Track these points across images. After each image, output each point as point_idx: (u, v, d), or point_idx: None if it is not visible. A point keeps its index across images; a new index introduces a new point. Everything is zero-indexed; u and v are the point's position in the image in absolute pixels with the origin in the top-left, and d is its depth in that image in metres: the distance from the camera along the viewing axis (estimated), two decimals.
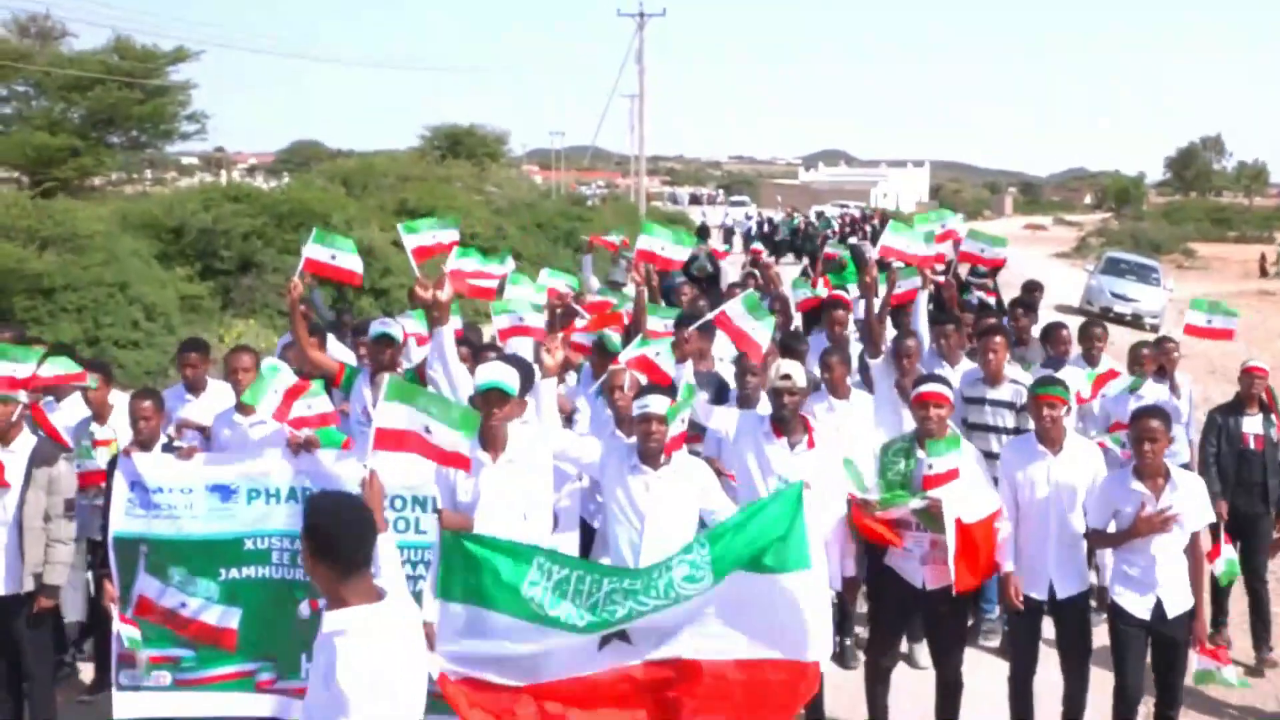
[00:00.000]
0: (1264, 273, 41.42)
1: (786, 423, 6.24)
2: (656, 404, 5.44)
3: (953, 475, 5.78)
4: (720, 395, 7.54)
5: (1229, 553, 7.45)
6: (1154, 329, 24.91)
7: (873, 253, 9.15)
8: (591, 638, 5.04)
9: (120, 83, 35.01)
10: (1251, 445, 7.69)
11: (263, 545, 6.22)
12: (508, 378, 5.56)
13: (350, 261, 7.89)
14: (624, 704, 5.10)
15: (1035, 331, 9.30)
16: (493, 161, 49.92)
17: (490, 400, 5.45)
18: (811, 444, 6.18)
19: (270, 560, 6.23)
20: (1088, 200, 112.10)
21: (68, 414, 7.42)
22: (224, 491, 6.20)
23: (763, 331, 7.54)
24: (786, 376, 6.22)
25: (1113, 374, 8.10)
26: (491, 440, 5.48)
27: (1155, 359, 8.23)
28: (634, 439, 5.77)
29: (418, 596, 5.35)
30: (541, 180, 67.87)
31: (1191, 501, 5.98)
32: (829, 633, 5.31)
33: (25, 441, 6.39)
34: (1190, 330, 8.32)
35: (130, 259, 17.43)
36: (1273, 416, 7.78)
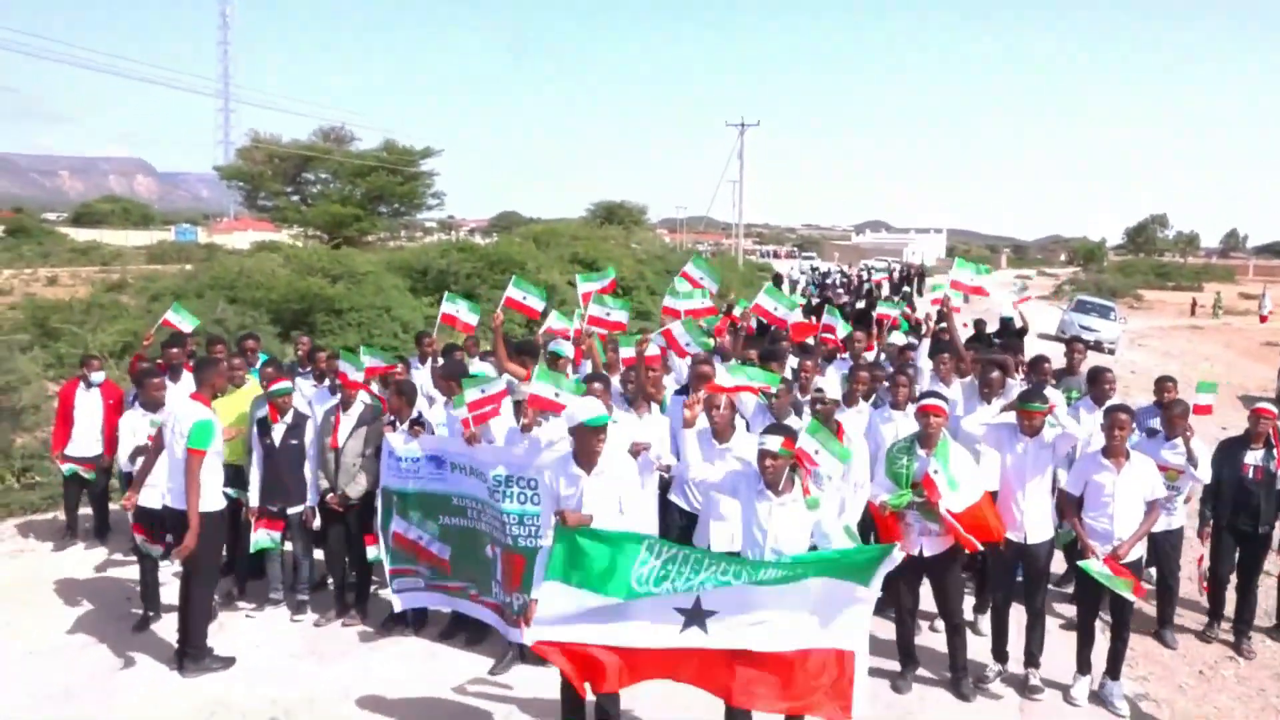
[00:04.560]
0: (1193, 312, 40.31)
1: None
2: (772, 442, 4.58)
3: (936, 485, 5.36)
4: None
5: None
6: (1110, 351, 23.92)
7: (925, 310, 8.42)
8: (676, 622, 4.37)
9: (387, 171, 36.13)
10: (1251, 475, 6.74)
11: (461, 503, 6.16)
12: (605, 414, 4.81)
13: (536, 303, 8.22)
14: (691, 672, 4.47)
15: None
16: (636, 226, 50.10)
17: (593, 431, 4.66)
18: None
19: (467, 514, 6.13)
20: (1063, 258, 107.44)
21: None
22: (437, 462, 6.20)
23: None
24: (820, 390, 5.93)
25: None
26: (588, 459, 4.73)
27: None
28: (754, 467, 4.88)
29: (535, 551, 5.05)
30: (669, 240, 67.78)
31: (1143, 477, 5.65)
32: (864, 633, 4.47)
33: (358, 406, 6.71)
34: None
35: (391, 290, 17.85)
36: (1274, 450, 6.76)
